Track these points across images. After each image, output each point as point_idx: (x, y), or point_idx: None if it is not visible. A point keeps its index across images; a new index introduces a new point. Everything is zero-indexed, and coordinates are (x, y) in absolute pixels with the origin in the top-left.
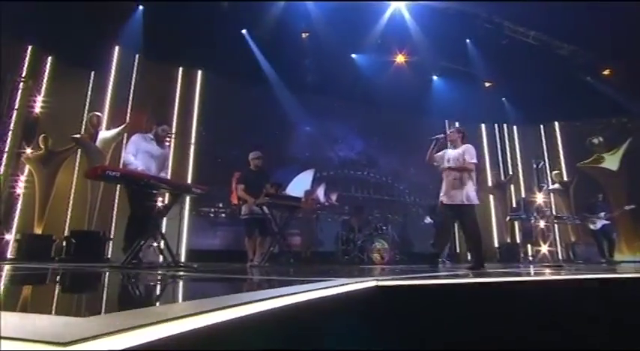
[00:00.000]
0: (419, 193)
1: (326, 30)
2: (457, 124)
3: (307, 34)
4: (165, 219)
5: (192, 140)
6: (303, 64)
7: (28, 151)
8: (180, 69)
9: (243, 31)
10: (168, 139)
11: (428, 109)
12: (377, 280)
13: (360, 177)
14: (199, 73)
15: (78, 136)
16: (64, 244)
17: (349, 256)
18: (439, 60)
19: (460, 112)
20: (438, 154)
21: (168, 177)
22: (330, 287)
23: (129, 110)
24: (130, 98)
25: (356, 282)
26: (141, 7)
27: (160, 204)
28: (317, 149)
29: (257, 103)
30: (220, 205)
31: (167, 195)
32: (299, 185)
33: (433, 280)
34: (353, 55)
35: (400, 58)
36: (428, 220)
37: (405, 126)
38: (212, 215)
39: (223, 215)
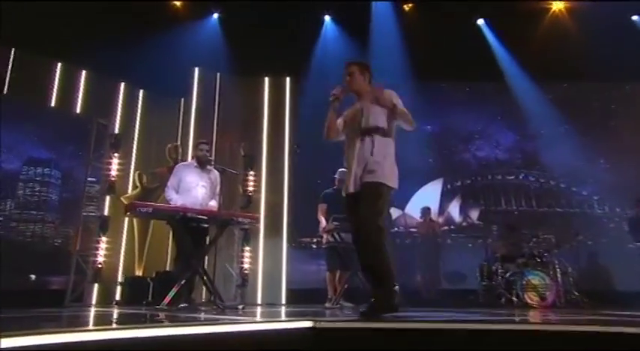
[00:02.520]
0: (615, 200)
1: None
2: None
3: None
4: (216, 252)
5: (286, 159)
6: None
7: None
8: (267, 79)
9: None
10: (210, 159)
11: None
12: (315, 320)
13: (514, 183)
14: (287, 80)
15: (157, 170)
16: (151, 286)
17: (492, 295)
18: None
19: None
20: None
21: (217, 205)
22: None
23: (214, 134)
24: (215, 121)
25: (289, 320)
26: (216, 16)
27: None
28: (445, 151)
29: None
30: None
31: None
32: (423, 202)
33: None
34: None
35: None
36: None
37: (591, 96)
38: (315, 246)
39: None
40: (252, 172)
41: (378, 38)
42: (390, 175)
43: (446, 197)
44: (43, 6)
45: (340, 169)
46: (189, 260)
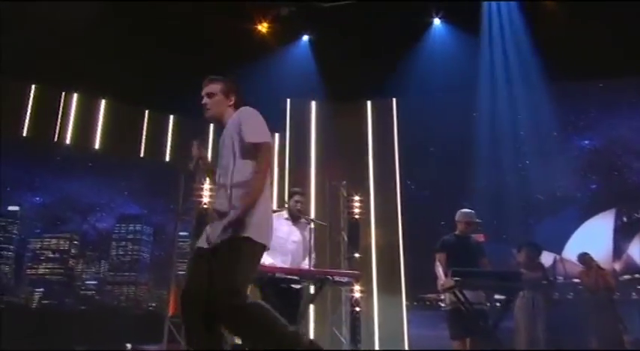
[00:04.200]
0: None
1: None
2: None
3: None
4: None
5: (398, 196)
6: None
7: None
8: (369, 103)
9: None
10: (303, 213)
11: None
12: None
13: None
14: (394, 102)
15: None
16: None
17: None
18: None
19: None
20: None
21: (310, 264)
22: None
23: (312, 172)
24: (312, 157)
25: None
26: (306, 38)
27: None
28: (614, 173)
29: (470, 121)
30: None
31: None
32: (587, 242)
33: None
34: None
35: None
36: None
37: None
38: (443, 305)
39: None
40: (357, 197)
41: (498, 40)
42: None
43: (622, 234)
44: (125, 53)
45: (462, 210)
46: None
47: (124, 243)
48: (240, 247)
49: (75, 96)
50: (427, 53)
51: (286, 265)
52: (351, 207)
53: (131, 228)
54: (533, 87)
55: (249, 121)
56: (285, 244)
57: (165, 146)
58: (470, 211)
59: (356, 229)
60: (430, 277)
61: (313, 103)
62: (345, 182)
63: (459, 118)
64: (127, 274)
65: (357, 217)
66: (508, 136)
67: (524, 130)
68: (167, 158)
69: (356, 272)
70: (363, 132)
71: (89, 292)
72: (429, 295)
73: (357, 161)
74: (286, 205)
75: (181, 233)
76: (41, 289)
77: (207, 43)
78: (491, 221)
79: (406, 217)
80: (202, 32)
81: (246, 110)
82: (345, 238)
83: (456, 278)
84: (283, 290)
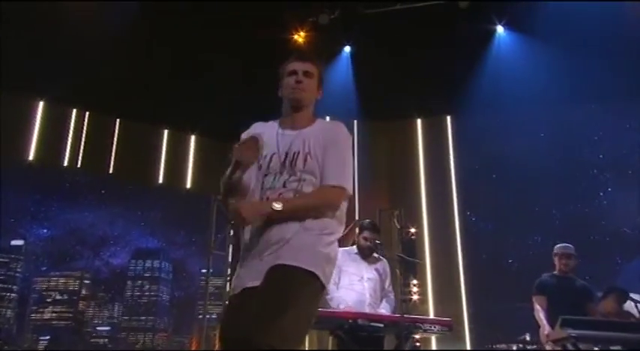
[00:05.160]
0: None
1: None
2: None
3: None
4: None
5: (457, 228)
6: None
7: None
8: (419, 121)
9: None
10: (376, 249)
11: None
12: None
13: None
14: (448, 120)
15: None
16: None
17: None
18: None
19: None
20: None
21: (388, 308)
22: None
23: (356, 200)
24: (356, 182)
25: None
26: (347, 49)
27: None
28: None
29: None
30: (528, 336)
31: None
32: None
33: None
34: None
35: None
36: None
37: None
38: None
39: None
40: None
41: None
42: None
43: None
44: (142, 65)
45: (561, 245)
46: None
47: (140, 282)
48: (300, 281)
49: (87, 114)
50: (489, 65)
51: (363, 308)
52: (406, 235)
53: (148, 264)
54: (612, 103)
55: (342, 154)
56: (359, 282)
57: (187, 171)
58: (569, 245)
59: (412, 268)
60: (498, 324)
61: (355, 122)
62: (397, 212)
63: (525, 139)
64: (143, 318)
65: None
66: (584, 159)
67: (603, 154)
68: (188, 185)
69: (448, 320)
70: (413, 154)
71: (101, 341)
72: (501, 346)
73: (408, 188)
74: (354, 239)
75: (204, 270)
76: (47, 337)
77: (234, 52)
78: None
79: (467, 254)
80: (229, 42)
81: (347, 135)
82: (400, 276)
83: (569, 330)
84: (363, 338)
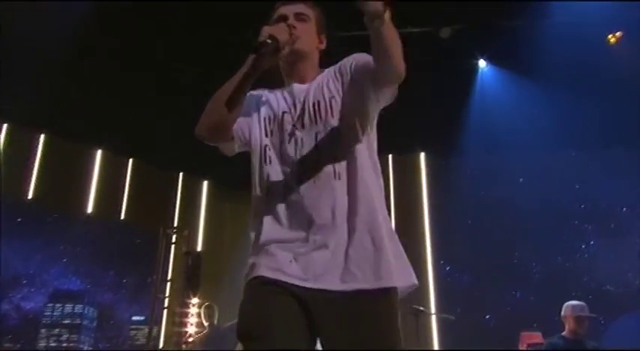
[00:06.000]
0: None
1: None
2: None
3: None
4: None
5: (431, 281)
6: None
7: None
8: (391, 157)
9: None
10: None
11: None
12: None
13: None
14: (422, 157)
15: None
16: None
17: None
18: None
19: None
20: None
21: None
22: None
23: None
24: None
25: None
26: None
27: None
28: None
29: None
30: None
31: None
32: None
33: None
34: None
35: None
36: None
37: None
38: None
39: None
40: None
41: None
42: None
43: None
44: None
45: (571, 303)
46: None
47: (57, 330)
48: (394, 304)
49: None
50: (470, 102)
51: None
52: None
53: (68, 309)
54: (594, 151)
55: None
56: None
57: (122, 199)
58: (581, 303)
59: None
60: None
61: None
62: None
63: (504, 183)
64: None
65: None
66: (565, 209)
67: (584, 204)
68: (123, 215)
69: None
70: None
71: None
72: None
73: None
74: None
75: (135, 317)
76: None
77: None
78: (551, 317)
79: (441, 308)
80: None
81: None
82: None
83: None
84: None
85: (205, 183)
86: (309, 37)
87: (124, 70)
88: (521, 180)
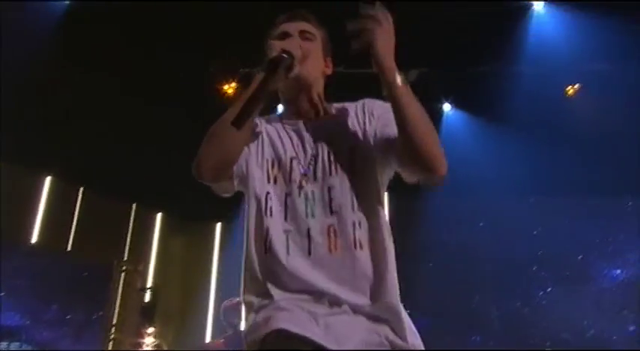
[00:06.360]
0: None
1: None
2: None
3: None
4: None
5: None
6: None
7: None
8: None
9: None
10: None
11: None
12: None
13: None
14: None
15: (209, 344)
16: None
17: None
18: None
19: None
20: None
21: None
22: None
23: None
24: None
25: None
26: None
27: None
28: None
29: None
30: None
31: None
32: None
33: None
34: None
35: None
36: None
37: None
38: None
39: None
40: None
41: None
42: None
43: None
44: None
45: None
46: None
47: None
48: None
49: None
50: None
51: None
52: None
53: (3, 347)
54: (549, 196)
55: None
56: None
57: (69, 228)
58: None
59: None
60: None
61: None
62: None
63: (464, 226)
64: None
65: None
66: (523, 254)
67: (542, 250)
68: (70, 246)
69: None
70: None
71: None
72: None
73: None
74: None
75: None
76: None
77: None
78: None
79: None
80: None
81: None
82: None
83: None
84: None
85: (159, 215)
86: (315, 60)
87: (78, 96)
88: (481, 224)
